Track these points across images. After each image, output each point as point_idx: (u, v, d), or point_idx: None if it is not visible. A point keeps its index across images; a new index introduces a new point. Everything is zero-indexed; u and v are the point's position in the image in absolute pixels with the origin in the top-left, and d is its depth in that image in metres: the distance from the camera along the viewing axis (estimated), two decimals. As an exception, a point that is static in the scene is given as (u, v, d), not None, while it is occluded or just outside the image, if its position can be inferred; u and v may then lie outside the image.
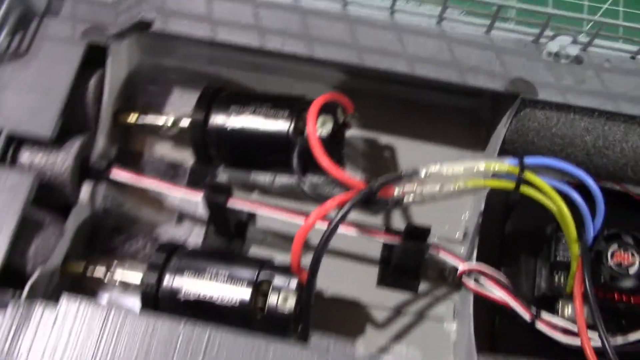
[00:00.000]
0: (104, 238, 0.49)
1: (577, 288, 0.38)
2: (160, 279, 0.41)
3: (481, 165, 0.38)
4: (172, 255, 0.42)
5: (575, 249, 0.40)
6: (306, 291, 0.38)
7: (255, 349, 0.36)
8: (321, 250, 0.37)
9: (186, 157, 0.51)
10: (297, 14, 0.44)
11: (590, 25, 0.45)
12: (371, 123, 0.51)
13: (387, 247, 0.49)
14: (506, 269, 0.46)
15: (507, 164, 0.38)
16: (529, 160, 0.39)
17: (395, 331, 0.47)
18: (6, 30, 0.46)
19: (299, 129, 0.44)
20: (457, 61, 0.42)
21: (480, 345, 0.42)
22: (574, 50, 0.41)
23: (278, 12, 0.44)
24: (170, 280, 0.41)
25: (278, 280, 0.41)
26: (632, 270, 0.41)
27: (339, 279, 0.48)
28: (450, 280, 0.48)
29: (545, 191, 0.39)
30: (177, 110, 0.51)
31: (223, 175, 0.50)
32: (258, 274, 0.41)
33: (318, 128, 0.42)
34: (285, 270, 0.41)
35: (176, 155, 0.51)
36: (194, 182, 0.50)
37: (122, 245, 0.49)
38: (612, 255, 0.41)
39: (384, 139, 0.51)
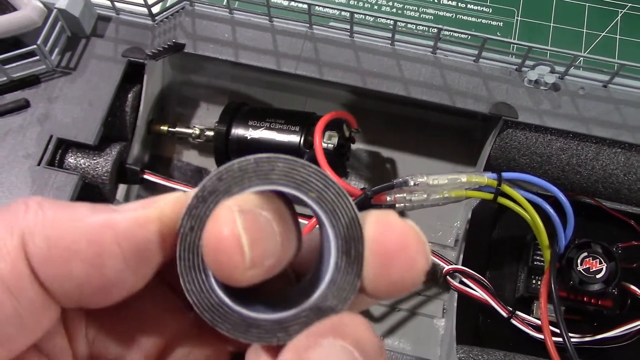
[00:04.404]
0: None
1: (544, 288, 0.44)
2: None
3: (463, 177, 0.44)
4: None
5: (548, 255, 0.45)
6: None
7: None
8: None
9: (210, 164, 0.57)
10: (309, 41, 0.50)
11: (587, 57, 0.49)
12: (375, 138, 0.56)
13: (385, 250, 0.54)
14: (492, 272, 0.52)
15: (487, 178, 0.44)
16: (507, 175, 0.44)
17: (389, 325, 0.53)
18: (58, 49, 0.52)
19: (309, 142, 0.49)
20: (447, 86, 0.48)
21: (465, 338, 0.48)
22: (551, 79, 0.47)
23: (293, 39, 0.50)
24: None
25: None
26: (599, 276, 0.46)
27: (341, 277, 0.54)
28: (442, 281, 0.53)
29: (520, 202, 0.44)
30: (204, 121, 0.57)
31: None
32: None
33: (324, 142, 0.48)
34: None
35: (201, 161, 0.58)
36: (216, 186, 0.57)
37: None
38: (581, 262, 0.46)
39: (386, 153, 0.56)
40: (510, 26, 0.72)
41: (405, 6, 0.73)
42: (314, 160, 0.47)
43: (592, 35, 0.72)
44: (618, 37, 0.72)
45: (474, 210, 0.51)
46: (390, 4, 0.73)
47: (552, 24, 0.72)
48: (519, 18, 0.73)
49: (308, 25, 0.50)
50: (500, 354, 0.45)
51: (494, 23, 0.72)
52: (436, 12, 0.73)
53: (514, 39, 0.72)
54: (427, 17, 0.73)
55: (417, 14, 0.73)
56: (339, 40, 0.50)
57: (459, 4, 0.74)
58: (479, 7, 0.73)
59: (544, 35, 0.71)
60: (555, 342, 0.43)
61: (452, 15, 0.73)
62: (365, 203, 0.44)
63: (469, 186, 0.44)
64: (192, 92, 0.58)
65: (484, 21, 0.72)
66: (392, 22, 0.47)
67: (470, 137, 0.55)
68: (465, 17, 0.73)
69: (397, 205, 0.44)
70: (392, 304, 0.53)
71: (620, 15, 0.73)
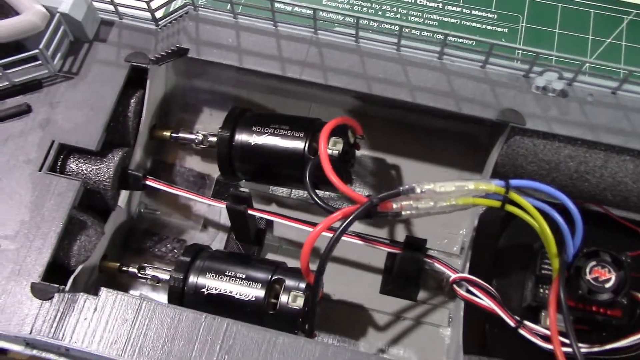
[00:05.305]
0: (138, 240, 0.55)
1: (552, 297, 0.43)
2: (186, 277, 0.46)
3: (471, 185, 0.43)
4: (197, 257, 0.48)
5: (556, 264, 0.45)
6: (313, 288, 0.43)
7: (267, 339, 0.41)
8: (327, 253, 0.42)
9: (213, 170, 0.56)
10: (314, 46, 0.49)
11: (595, 64, 0.48)
12: (380, 145, 0.56)
13: (390, 258, 0.54)
14: (498, 280, 0.51)
15: (494, 185, 0.43)
16: (514, 182, 0.43)
17: (394, 335, 0.52)
18: (60, 54, 0.51)
19: (313, 149, 0.49)
20: (454, 92, 0.47)
21: (471, 348, 0.47)
22: (559, 85, 0.46)
23: (298, 44, 0.49)
24: (195, 278, 0.46)
25: (289, 281, 0.46)
26: (608, 285, 0.45)
27: (345, 286, 0.53)
28: (447, 290, 0.53)
29: (528, 210, 0.43)
30: (207, 127, 0.56)
31: (245, 189, 0.56)
32: (272, 275, 0.46)
33: (329, 148, 0.47)
34: (297, 273, 0.46)
35: (204, 168, 0.57)
36: (219, 192, 0.56)
37: (153, 247, 0.55)
38: (590, 271, 0.45)
39: (391, 159, 0.56)
40: (516, 32, 0.72)
41: (410, 12, 0.73)
42: (318, 166, 0.46)
43: (598, 41, 0.71)
44: (624, 43, 0.71)
45: (480, 218, 0.51)
46: (395, 9, 0.73)
47: (557, 30, 0.72)
48: (524, 24, 0.72)
49: (313, 30, 0.49)
50: (508, 365, 0.44)
51: (499, 29, 0.72)
52: (440, 18, 0.73)
53: (520, 45, 0.71)
54: (431, 23, 0.72)
55: (421, 20, 0.72)
56: (344, 45, 0.49)
57: (464, 10, 0.73)
58: (483, 14, 0.73)
59: (549, 42, 0.71)
60: (565, 353, 0.42)
61: (457, 22, 0.72)
62: (371, 211, 0.43)
63: (476, 194, 0.44)
64: (195, 98, 0.58)
65: (488, 27, 0.72)
66: (397, 27, 0.47)
67: (477, 144, 0.55)
68: (469, 23, 0.72)
69: (403, 212, 0.43)
70: (397, 312, 0.52)
71: (626, 22, 0.72)
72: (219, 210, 0.56)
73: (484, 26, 0.72)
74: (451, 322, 0.51)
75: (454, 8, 0.73)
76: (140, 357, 0.41)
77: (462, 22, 0.72)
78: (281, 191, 0.56)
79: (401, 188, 0.43)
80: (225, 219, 0.55)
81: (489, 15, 0.73)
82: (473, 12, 0.73)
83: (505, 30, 0.72)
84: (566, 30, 0.72)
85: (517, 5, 0.73)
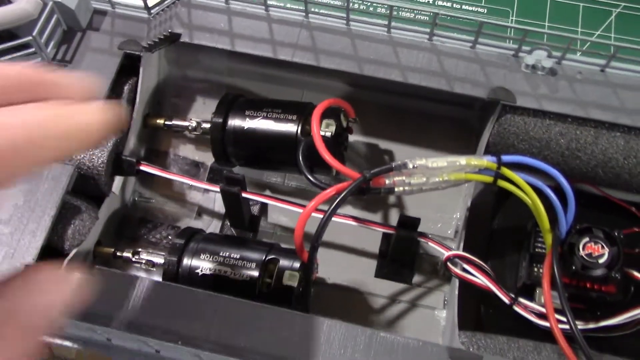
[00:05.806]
0: (132, 228, 0.55)
1: (546, 272, 0.43)
2: (180, 259, 0.46)
3: (463, 160, 0.43)
4: (191, 239, 0.48)
5: (549, 239, 0.45)
6: (307, 265, 0.43)
7: (262, 313, 0.41)
8: (322, 229, 0.42)
9: (207, 158, 0.57)
10: (306, 29, 0.50)
11: (587, 43, 0.49)
12: (372, 130, 0.56)
13: (385, 241, 0.54)
14: (493, 262, 0.51)
15: (486, 160, 0.43)
16: (506, 157, 0.44)
17: (389, 317, 0.52)
18: (53, 42, 0.52)
19: (306, 131, 0.49)
20: (445, 72, 0.47)
21: (466, 328, 0.47)
22: (548, 63, 0.47)
23: (289, 27, 0.50)
24: (189, 260, 0.46)
25: (283, 261, 0.46)
26: (602, 261, 0.45)
27: (340, 270, 0.53)
28: (442, 273, 0.53)
29: (520, 185, 0.43)
30: (200, 115, 0.57)
31: (239, 174, 0.56)
32: (266, 255, 0.46)
33: (322, 129, 0.47)
34: (291, 253, 0.46)
35: (198, 155, 0.57)
36: (213, 180, 0.56)
37: (147, 234, 0.55)
38: (583, 247, 0.45)
39: (384, 144, 0.56)
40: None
41: (400, 8, 0.74)
42: (311, 147, 0.46)
43: (587, 34, 0.72)
44: (613, 36, 0.72)
45: (474, 199, 0.51)
46: (386, 5, 0.74)
47: (546, 24, 0.72)
48: (513, 18, 0.73)
49: (304, 14, 0.50)
50: (503, 339, 0.44)
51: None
52: (430, 12, 0.73)
53: (509, 40, 0.72)
54: (421, 17, 0.73)
55: (411, 15, 0.73)
56: (335, 28, 0.50)
57: (454, 4, 0.74)
58: (473, 8, 0.74)
59: (539, 35, 0.72)
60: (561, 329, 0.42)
61: (447, 17, 0.73)
62: (364, 186, 0.43)
63: (469, 169, 0.44)
64: (188, 87, 0.58)
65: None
66: (387, 9, 0.47)
67: (468, 127, 0.55)
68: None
69: (396, 188, 0.44)
70: (392, 295, 0.52)
71: (614, 15, 0.73)
72: (213, 198, 0.56)
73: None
74: (446, 304, 0.51)
75: (444, 3, 0.74)
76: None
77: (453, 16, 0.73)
78: (275, 178, 0.56)
79: (393, 164, 0.43)
80: (219, 207, 0.55)
81: (479, 10, 0.74)
82: (463, 6, 0.74)
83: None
84: (555, 24, 0.72)
85: (506, 0, 0.74)
